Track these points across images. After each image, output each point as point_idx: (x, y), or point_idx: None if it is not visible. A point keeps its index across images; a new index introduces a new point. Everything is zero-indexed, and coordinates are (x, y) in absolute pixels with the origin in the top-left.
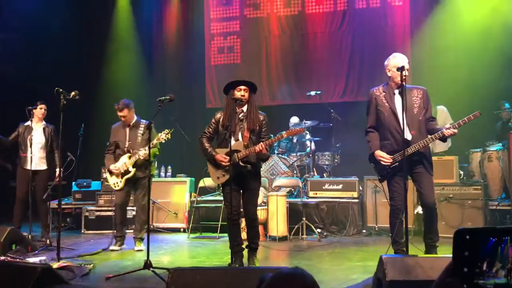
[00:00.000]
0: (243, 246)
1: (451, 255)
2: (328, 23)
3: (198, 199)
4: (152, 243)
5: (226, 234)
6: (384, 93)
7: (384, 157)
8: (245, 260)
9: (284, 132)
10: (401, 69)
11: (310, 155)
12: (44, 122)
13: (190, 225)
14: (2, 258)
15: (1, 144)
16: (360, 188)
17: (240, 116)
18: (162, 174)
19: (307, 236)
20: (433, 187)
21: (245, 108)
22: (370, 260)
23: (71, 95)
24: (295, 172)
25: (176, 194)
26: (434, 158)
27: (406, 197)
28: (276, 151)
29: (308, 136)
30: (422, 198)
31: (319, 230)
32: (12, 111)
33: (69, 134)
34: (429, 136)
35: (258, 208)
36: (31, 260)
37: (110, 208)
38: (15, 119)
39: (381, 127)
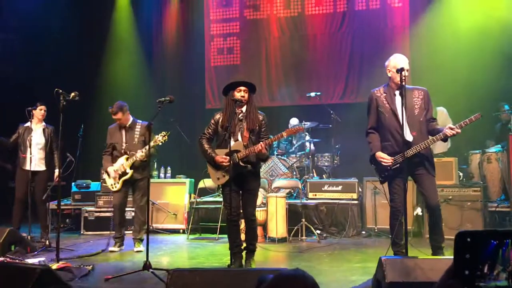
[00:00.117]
0: (242, 247)
1: (451, 257)
2: (328, 25)
3: (198, 200)
4: (151, 244)
5: (225, 235)
6: (384, 94)
7: (385, 158)
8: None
9: (284, 131)
10: (400, 70)
11: (310, 156)
12: (43, 123)
13: (190, 226)
14: (1, 259)
15: (3, 146)
16: (360, 189)
17: (239, 116)
18: (162, 175)
19: (307, 237)
20: (435, 188)
21: (244, 109)
22: (370, 262)
23: (71, 96)
24: (294, 173)
25: (175, 195)
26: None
27: (406, 198)
28: (275, 152)
29: (307, 137)
30: (425, 200)
31: (318, 232)
32: (12, 111)
33: (68, 135)
34: (430, 137)
35: (258, 209)
36: (30, 261)
37: (109, 209)
38: (15, 120)
39: (382, 128)
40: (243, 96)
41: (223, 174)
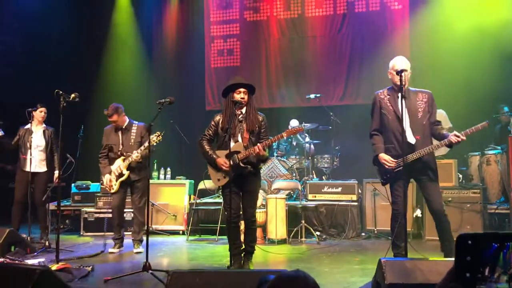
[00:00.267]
0: (242, 248)
1: (450, 259)
2: (328, 26)
3: (197, 201)
4: (151, 246)
5: (225, 237)
6: (388, 96)
7: (388, 160)
8: None
9: (284, 132)
10: (400, 72)
11: (309, 157)
12: (44, 125)
13: (189, 227)
14: (1, 259)
15: (5, 147)
16: (359, 191)
17: (239, 117)
18: (162, 176)
19: (306, 239)
20: (439, 193)
21: (244, 110)
22: (369, 263)
23: (71, 97)
24: (294, 174)
25: (175, 196)
26: None
27: (406, 202)
28: (275, 154)
29: (307, 139)
30: (429, 205)
31: (318, 233)
32: (12, 113)
33: (68, 136)
34: (435, 143)
35: (257, 210)
36: (30, 262)
37: (109, 210)
38: (15, 121)
39: (385, 131)
40: (243, 98)
41: (224, 175)
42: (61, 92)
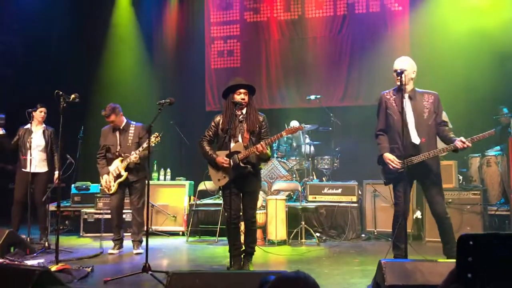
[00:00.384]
0: (242, 249)
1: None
2: (328, 27)
3: (197, 202)
4: (150, 247)
5: (225, 238)
6: (394, 97)
7: (392, 160)
8: None
9: (284, 131)
10: (400, 73)
11: (309, 159)
12: (44, 125)
13: (189, 228)
14: (1, 260)
15: (5, 148)
16: (359, 192)
17: (240, 118)
18: (162, 177)
19: (306, 240)
20: (442, 195)
21: (244, 111)
22: (369, 265)
23: (71, 97)
24: (294, 176)
25: (175, 197)
26: None
27: (409, 203)
28: (275, 155)
29: (307, 140)
30: (432, 208)
31: (318, 234)
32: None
33: (68, 136)
34: (440, 147)
35: (257, 211)
36: (30, 262)
37: (108, 211)
38: (15, 122)
39: (390, 131)
40: (243, 99)
41: (224, 175)
42: (61, 92)
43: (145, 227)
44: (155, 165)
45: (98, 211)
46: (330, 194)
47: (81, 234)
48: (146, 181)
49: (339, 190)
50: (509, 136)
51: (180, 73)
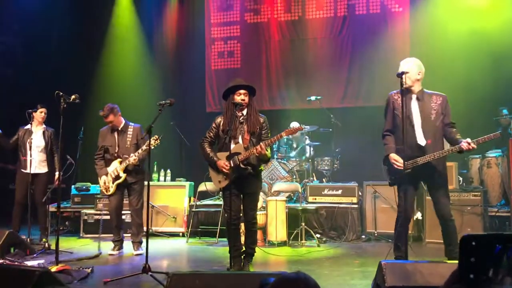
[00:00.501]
0: (242, 250)
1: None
2: (328, 29)
3: (197, 203)
4: (150, 247)
5: (225, 239)
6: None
7: (398, 161)
8: None
9: (283, 131)
10: (400, 74)
11: (310, 160)
12: (44, 126)
13: (189, 229)
14: (1, 261)
15: (4, 147)
16: (360, 193)
17: (240, 119)
18: (162, 178)
19: (306, 241)
20: (447, 198)
21: (245, 111)
22: (369, 266)
23: (71, 98)
24: (294, 177)
25: (175, 198)
26: None
27: (413, 205)
28: (275, 156)
29: (307, 141)
30: (436, 209)
31: (318, 235)
32: (12, 114)
33: (69, 137)
34: (445, 149)
35: (257, 212)
36: (30, 263)
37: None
38: (15, 122)
39: (397, 131)
40: (243, 100)
41: (224, 177)
42: (61, 93)
43: (145, 228)
44: (155, 166)
45: (98, 212)
46: (330, 195)
47: (81, 235)
48: (145, 182)
49: (339, 191)
50: (509, 137)
51: (180, 74)
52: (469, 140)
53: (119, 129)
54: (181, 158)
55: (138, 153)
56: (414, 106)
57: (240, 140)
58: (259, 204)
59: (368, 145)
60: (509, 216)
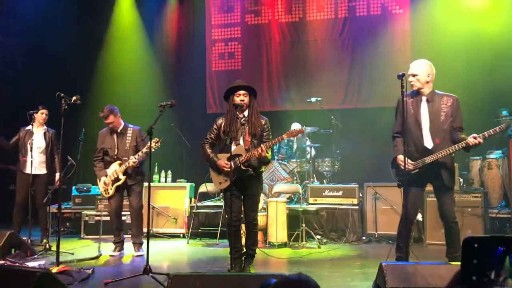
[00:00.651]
0: (243, 252)
1: (451, 263)
2: (329, 30)
3: (198, 204)
4: (151, 249)
5: (226, 240)
6: (411, 100)
7: (404, 161)
8: None
9: (284, 134)
10: (401, 76)
11: (310, 161)
12: (45, 127)
13: (190, 230)
14: (1, 262)
15: (2, 147)
16: (360, 194)
17: (241, 120)
18: (162, 179)
19: (307, 242)
20: (453, 199)
21: (246, 113)
22: (370, 267)
23: (72, 99)
24: (295, 178)
25: (176, 199)
26: None
27: (418, 207)
28: (276, 157)
29: (308, 142)
30: (440, 210)
31: (318, 237)
32: (13, 115)
33: (70, 138)
34: (452, 146)
35: (258, 214)
36: (30, 264)
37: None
38: (16, 123)
39: (405, 134)
40: (243, 100)
41: (225, 178)
42: (62, 94)
43: (145, 229)
44: (156, 167)
45: (99, 213)
46: (330, 196)
47: (81, 236)
48: (145, 183)
49: (340, 193)
50: (510, 138)
51: (181, 75)
52: (475, 135)
53: (118, 131)
54: (181, 159)
55: (138, 155)
56: (424, 108)
57: (241, 142)
58: (260, 205)
59: (369, 146)
60: (509, 218)
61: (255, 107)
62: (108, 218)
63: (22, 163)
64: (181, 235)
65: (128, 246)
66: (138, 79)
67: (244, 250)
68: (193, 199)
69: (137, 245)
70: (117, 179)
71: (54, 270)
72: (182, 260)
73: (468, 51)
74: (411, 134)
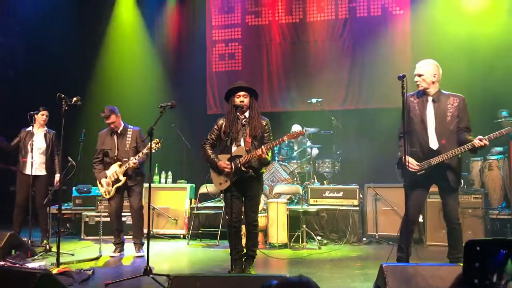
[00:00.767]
0: (243, 253)
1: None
2: (329, 31)
3: (198, 205)
4: (151, 250)
5: (226, 241)
6: (417, 100)
7: (411, 163)
8: None
9: (285, 135)
10: (402, 77)
11: (311, 162)
12: (45, 128)
13: (190, 231)
14: (2, 263)
15: (3, 149)
16: (361, 195)
17: (243, 121)
18: (163, 180)
19: (307, 243)
20: (456, 202)
21: (247, 114)
22: (371, 268)
23: (73, 100)
24: (295, 179)
25: (176, 200)
26: None
27: (421, 209)
28: (276, 158)
29: (308, 143)
30: (444, 211)
31: (319, 238)
32: (14, 116)
33: (70, 139)
34: (458, 148)
35: (258, 215)
36: (31, 265)
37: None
38: (17, 124)
39: (411, 134)
40: (242, 101)
41: (225, 179)
42: (63, 95)
43: (146, 230)
44: (157, 168)
45: (99, 214)
46: (331, 197)
47: (82, 237)
48: (145, 184)
49: (340, 194)
50: (510, 139)
51: (181, 76)
52: (481, 137)
53: (119, 132)
54: (182, 160)
55: (139, 156)
56: (430, 108)
57: (242, 143)
58: (260, 207)
59: (369, 147)
60: (510, 219)
61: (256, 108)
62: (108, 219)
63: (22, 164)
64: (182, 236)
65: (128, 247)
66: (138, 80)
67: (245, 251)
68: (193, 200)
69: (138, 245)
70: (117, 180)
71: (55, 271)
72: (183, 261)
73: (468, 52)
74: (417, 135)
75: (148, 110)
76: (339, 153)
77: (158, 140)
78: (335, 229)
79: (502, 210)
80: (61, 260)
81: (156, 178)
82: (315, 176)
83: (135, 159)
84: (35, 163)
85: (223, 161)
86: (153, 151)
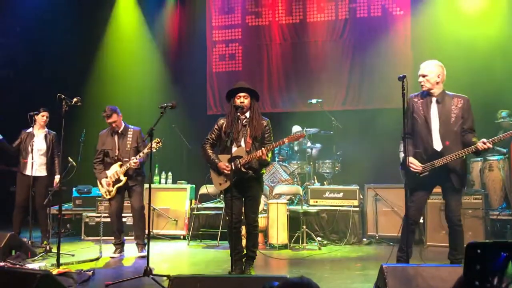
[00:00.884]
0: (243, 253)
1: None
2: (330, 32)
3: (199, 206)
4: (152, 250)
5: (226, 242)
6: (421, 101)
7: (414, 164)
8: None
9: (286, 138)
10: (402, 78)
11: (311, 163)
12: (46, 129)
13: (190, 232)
14: (2, 264)
15: (5, 150)
16: (361, 196)
17: (243, 122)
18: (163, 180)
19: (307, 244)
20: (459, 204)
21: (248, 114)
22: (371, 269)
23: (73, 101)
24: (295, 179)
25: (176, 201)
26: None
27: (423, 210)
28: (277, 159)
29: (308, 144)
30: (446, 214)
31: (319, 238)
32: (14, 117)
33: (70, 139)
34: (461, 150)
35: (259, 215)
36: (31, 266)
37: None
38: (17, 125)
39: (415, 135)
40: (243, 102)
41: (225, 179)
42: (63, 96)
43: (147, 230)
44: (157, 169)
45: (99, 215)
46: (331, 198)
47: (82, 237)
48: (146, 184)
49: (341, 194)
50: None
51: (181, 77)
52: (484, 140)
53: (119, 132)
54: (182, 160)
55: (140, 156)
56: (434, 109)
57: (242, 144)
58: (260, 207)
59: (369, 147)
60: (510, 220)
61: (257, 109)
62: (108, 219)
63: (23, 165)
64: (182, 236)
65: (129, 248)
66: (138, 80)
67: (245, 252)
68: (193, 201)
69: (141, 245)
70: (118, 180)
71: (55, 271)
72: (183, 262)
73: (468, 52)
74: (420, 136)
75: (148, 111)
76: (339, 154)
77: (159, 140)
78: (335, 230)
79: (503, 211)
80: (61, 260)
81: (156, 178)
82: (315, 177)
83: (136, 159)
84: (35, 164)
85: (223, 162)
86: (154, 150)
